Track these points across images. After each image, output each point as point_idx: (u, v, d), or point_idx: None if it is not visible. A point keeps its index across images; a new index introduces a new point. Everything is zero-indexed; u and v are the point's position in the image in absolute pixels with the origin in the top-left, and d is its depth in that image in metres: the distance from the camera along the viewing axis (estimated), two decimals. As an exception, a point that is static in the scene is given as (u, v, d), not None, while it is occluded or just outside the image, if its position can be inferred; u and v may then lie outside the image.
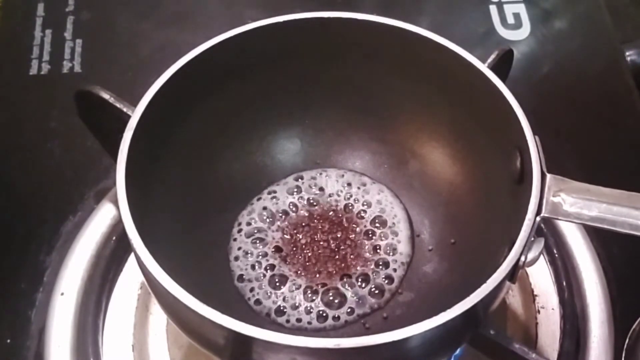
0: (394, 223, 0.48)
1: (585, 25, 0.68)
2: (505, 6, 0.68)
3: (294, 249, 0.47)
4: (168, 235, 0.40)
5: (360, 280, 0.46)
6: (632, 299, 0.50)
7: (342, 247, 0.47)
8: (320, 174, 0.51)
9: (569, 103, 0.63)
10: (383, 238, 0.48)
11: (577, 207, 0.36)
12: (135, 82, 0.59)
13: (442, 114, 0.47)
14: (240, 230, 0.48)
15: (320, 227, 0.48)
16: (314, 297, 0.45)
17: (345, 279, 0.46)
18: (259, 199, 0.49)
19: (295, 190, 0.50)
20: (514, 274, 0.36)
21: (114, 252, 0.49)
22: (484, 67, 0.42)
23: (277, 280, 0.46)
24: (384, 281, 0.46)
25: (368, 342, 0.32)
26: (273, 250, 0.47)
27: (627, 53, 0.65)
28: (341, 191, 0.50)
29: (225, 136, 0.48)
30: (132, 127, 0.39)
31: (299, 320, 0.44)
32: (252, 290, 0.45)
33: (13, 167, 0.56)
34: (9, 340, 0.47)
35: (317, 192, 0.50)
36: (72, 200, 0.53)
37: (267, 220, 0.48)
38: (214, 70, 0.44)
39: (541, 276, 0.51)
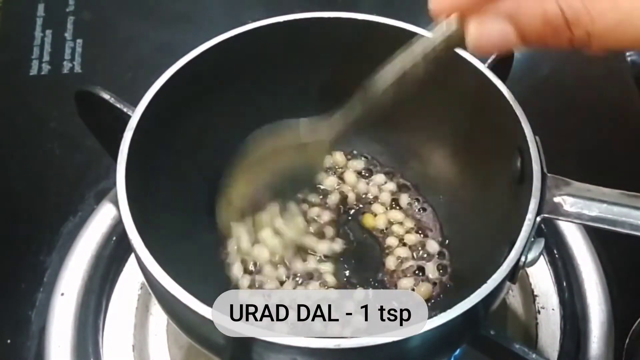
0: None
1: (585, 25, 0.68)
2: (506, 6, 0.68)
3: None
4: (168, 235, 0.40)
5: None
6: (632, 299, 0.50)
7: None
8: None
9: (569, 103, 0.63)
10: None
11: (577, 207, 0.36)
12: (135, 82, 0.59)
13: (442, 114, 0.47)
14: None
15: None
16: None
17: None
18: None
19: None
20: (514, 274, 0.36)
21: (114, 253, 0.49)
22: (484, 67, 0.42)
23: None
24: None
25: (368, 342, 0.32)
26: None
27: (627, 53, 0.65)
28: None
29: (225, 136, 0.47)
30: (132, 127, 0.39)
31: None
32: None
33: (13, 167, 0.56)
34: (9, 340, 0.47)
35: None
36: (72, 201, 0.53)
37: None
38: (214, 71, 0.44)
39: (541, 276, 0.51)
